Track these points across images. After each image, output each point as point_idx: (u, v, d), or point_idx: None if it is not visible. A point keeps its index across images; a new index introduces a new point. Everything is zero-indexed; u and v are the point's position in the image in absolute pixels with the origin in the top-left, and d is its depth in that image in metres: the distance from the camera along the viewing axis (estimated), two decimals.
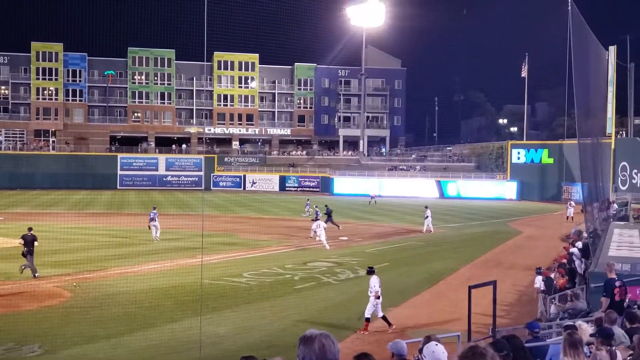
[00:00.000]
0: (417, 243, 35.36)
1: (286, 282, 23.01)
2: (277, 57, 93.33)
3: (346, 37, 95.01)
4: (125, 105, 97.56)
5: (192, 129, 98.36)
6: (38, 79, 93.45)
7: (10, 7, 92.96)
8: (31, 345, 14.80)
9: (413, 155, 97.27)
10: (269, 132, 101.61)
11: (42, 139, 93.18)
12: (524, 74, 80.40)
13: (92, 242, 30.09)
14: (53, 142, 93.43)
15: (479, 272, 25.19)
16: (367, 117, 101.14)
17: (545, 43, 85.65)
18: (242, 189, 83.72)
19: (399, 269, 26.45)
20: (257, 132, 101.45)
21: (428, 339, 6.83)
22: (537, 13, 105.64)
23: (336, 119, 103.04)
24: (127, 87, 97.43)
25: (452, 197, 75.83)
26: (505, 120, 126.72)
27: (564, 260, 21.32)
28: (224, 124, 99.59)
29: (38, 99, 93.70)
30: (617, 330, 8.80)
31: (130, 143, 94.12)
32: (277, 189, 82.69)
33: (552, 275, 18.64)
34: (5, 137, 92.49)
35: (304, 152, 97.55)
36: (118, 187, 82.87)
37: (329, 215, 38.19)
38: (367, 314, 16.53)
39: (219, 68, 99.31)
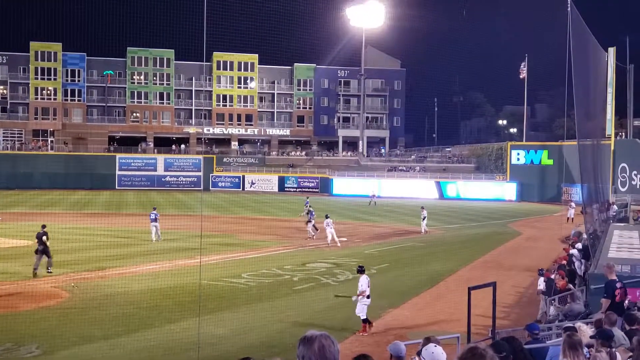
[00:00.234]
0: (417, 244, 35.33)
1: (285, 283, 22.97)
2: (277, 57, 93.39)
3: (346, 38, 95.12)
4: (124, 105, 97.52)
5: (191, 129, 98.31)
6: (37, 78, 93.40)
7: (9, 6, 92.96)
8: (29, 345, 14.76)
9: (412, 156, 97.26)
10: (268, 133, 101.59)
11: (40, 138, 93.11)
12: (524, 75, 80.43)
13: (90, 243, 30.03)
14: (51, 142, 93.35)
15: (478, 274, 25.15)
16: (367, 117, 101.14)
17: (544, 44, 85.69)
18: (241, 189, 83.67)
19: (399, 270, 26.43)
20: (256, 133, 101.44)
21: (427, 341, 6.79)
22: (536, 14, 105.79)
23: (335, 119, 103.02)
24: (126, 87, 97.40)
25: (451, 198, 75.84)
26: (504, 121, 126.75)
27: (564, 262, 21.28)
28: (223, 124, 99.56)
29: (37, 98, 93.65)
30: (617, 332, 8.77)
31: (129, 143, 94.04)
32: (276, 190, 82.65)
33: (553, 277, 18.60)
34: (4, 137, 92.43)
35: (303, 153, 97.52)
36: (116, 188, 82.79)
37: (310, 216, 38.04)
38: (363, 315, 16.45)
39: (218, 68, 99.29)
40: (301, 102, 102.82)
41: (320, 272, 25.27)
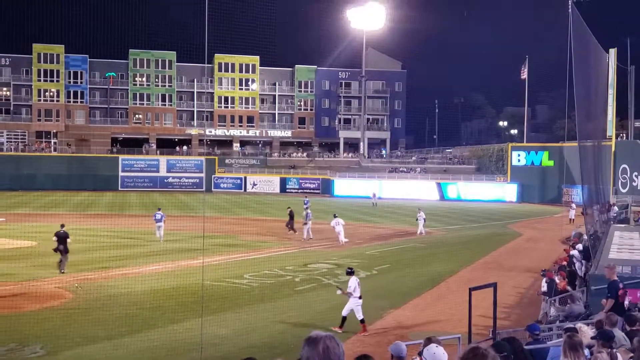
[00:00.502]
0: (418, 245, 35.40)
1: (287, 284, 23.05)
2: (278, 59, 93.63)
3: (347, 40, 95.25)
4: (127, 107, 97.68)
5: (193, 131, 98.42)
6: (40, 80, 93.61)
7: (12, 9, 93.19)
8: (33, 346, 14.85)
9: (413, 158, 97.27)
10: (269, 134, 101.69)
11: (43, 140, 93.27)
12: (524, 76, 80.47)
13: (93, 244, 30.11)
14: (54, 143, 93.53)
15: (479, 275, 25.22)
16: (368, 119, 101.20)
17: (545, 45, 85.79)
18: (242, 190, 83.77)
19: (400, 271, 26.51)
20: (257, 134, 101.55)
21: (429, 341, 6.87)
22: (537, 15, 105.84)
23: (337, 121, 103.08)
24: (128, 89, 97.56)
25: (452, 199, 75.87)
26: (505, 123, 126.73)
27: (565, 263, 21.36)
28: (224, 125, 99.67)
29: (39, 100, 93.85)
30: (618, 333, 8.84)
31: (132, 145, 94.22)
32: (278, 191, 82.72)
33: (555, 278, 18.68)
34: (7, 138, 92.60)
35: (305, 154, 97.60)
36: (119, 189, 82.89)
37: (291, 217, 38.17)
38: (359, 316, 16.55)
39: (220, 70, 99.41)
40: (302, 103, 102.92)
41: (321, 272, 25.35)
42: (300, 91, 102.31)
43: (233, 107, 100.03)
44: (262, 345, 15.18)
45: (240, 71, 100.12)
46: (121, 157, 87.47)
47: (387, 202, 67.77)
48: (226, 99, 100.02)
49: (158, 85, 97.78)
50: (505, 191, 76.68)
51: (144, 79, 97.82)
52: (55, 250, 24.37)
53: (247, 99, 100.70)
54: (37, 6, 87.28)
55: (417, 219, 39.76)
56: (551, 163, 74.01)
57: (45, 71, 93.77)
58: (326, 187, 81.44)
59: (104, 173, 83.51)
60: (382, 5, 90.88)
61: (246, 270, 25.42)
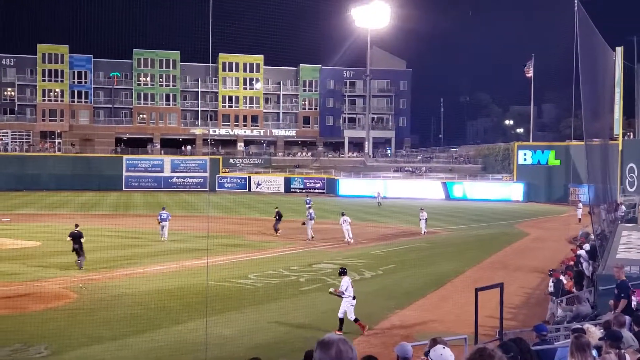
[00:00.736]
0: (423, 245, 35.30)
1: (292, 284, 22.98)
2: (282, 58, 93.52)
3: (351, 39, 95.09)
4: (131, 106, 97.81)
5: (197, 131, 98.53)
6: (44, 80, 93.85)
7: (16, 9, 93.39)
8: (38, 346, 14.82)
9: (419, 157, 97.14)
10: (274, 134, 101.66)
11: (47, 140, 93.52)
12: (530, 74, 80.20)
13: (98, 244, 30.11)
14: (59, 143, 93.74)
15: (485, 275, 25.10)
16: (373, 118, 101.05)
17: (551, 44, 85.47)
18: (247, 190, 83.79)
19: (405, 271, 26.41)
20: (262, 134, 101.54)
21: (434, 342, 6.80)
22: (543, 13, 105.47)
23: (341, 120, 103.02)
24: (132, 89, 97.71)
25: (458, 198, 75.70)
26: (511, 122, 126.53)
27: (572, 263, 21.22)
28: (228, 125, 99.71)
29: (44, 100, 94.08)
30: (626, 333, 8.73)
31: (136, 144, 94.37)
32: (282, 191, 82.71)
33: (562, 277, 18.56)
34: (12, 138, 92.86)
35: (309, 154, 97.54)
36: (124, 189, 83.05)
37: (278, 218, 38.07)
38: (351, 316, 16.48)
39: (224, 69, 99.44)
40: (307, 102, 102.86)
41: (326, 273, 25.25)
42: (304, 90, 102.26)
43: (237, 107, 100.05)
44: (267, 346, 15.11)
45: (245, 70, 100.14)
46: (125, 157, 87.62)
47: (392, 202, 67.66)
48: (230, 98, 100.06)
49: (162, 85, 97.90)
50: (511, 190, 76.46)
51: (148, 78, 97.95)
52: (73, 250, 24.99)
53: (251, 99, 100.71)
54: (41, 7, 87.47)
55: (420, 219, 39.68)
56: (557, 162, 73.77)
57: (50, 71, 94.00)
58: (331, 187, 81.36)
59: (108, 173, 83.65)
60: (386, 3, 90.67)
61: (251, 270, 25.38)
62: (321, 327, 16.64)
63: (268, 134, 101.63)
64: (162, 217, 34.21)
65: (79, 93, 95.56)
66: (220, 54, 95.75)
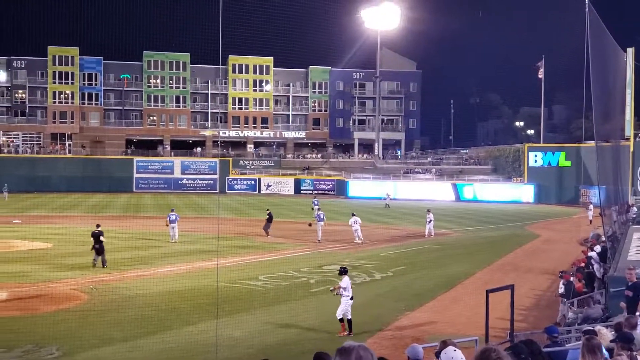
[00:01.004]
0: (433, 246, 35.21)
1: (302, 286, 22.99)
2: (292, 60, 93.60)
3: (361, 40, 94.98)
4: (141, 108, 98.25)
5: (207, 132, 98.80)
6: (55, 82, 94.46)
7: (27, 12, 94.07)
8: (49, 347, 14.91)
9: (429, 158, 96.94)
10: (283, 135, 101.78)
11: (58, 142, 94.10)
12: (541, 75, 79.88)
13: (108, 245, 30.24)
14: (69, 145, 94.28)
15: (496, 276, 25.01)
16: (382, 120, 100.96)
17: (562, 45, 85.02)
18: (257, 192, 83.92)
19: (416, 273, 26.36)
20: (271, 135, 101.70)
21: (444, 344, 6.79)
22: (553, 14, 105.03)
23: (351, 121, 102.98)
24: (142, 91, 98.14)
25: (468, 200, 75.50)
26: (521, 123, 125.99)
27: (582, 265, 21.10)
28: (238, 127, 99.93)
29: (55, 102, 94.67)
30: (638, 335, 8.68)
31: (146, 146, 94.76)
32: (292, 192, 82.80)
33: (572, 279, 18.47)
34: (23, 140, 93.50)
35: (319, 155, 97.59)
36: (134, 190, 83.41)
37: (268, 220, 38.05)
38: (339, 315, 16.47)
39: (234, 71, 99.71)
40: (316, 104, 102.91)
41: (336, 274, 25.21)
42: (314, 92, 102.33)
43: (247, 109, 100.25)
44: (278, 347, 15.13)
45: (254, 72, 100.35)
46: (136, 158, 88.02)
47: (402, 204, 67.53)
48: (240, 100, 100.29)
49: (172, 87, 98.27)
50: (522, 192, 76.14)
51: (158, 80, 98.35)
52: (93, 248, 25.80)
53: (261, 100, 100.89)
54: (52, 9, 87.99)
55: (426, 220, 39.58)
56: (568, 164, 73.41)
57: (60, 73, 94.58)
58: (341, 188, 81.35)
59: (118, 175, 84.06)
60: (396, 5, 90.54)
61: (261, 271, 25.41)
62: (331, 329, 16.65)
63: (278, 136, 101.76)
64: (170, 218, 34.41)
65: (90, 95, 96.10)
66: (230, 55, 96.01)
